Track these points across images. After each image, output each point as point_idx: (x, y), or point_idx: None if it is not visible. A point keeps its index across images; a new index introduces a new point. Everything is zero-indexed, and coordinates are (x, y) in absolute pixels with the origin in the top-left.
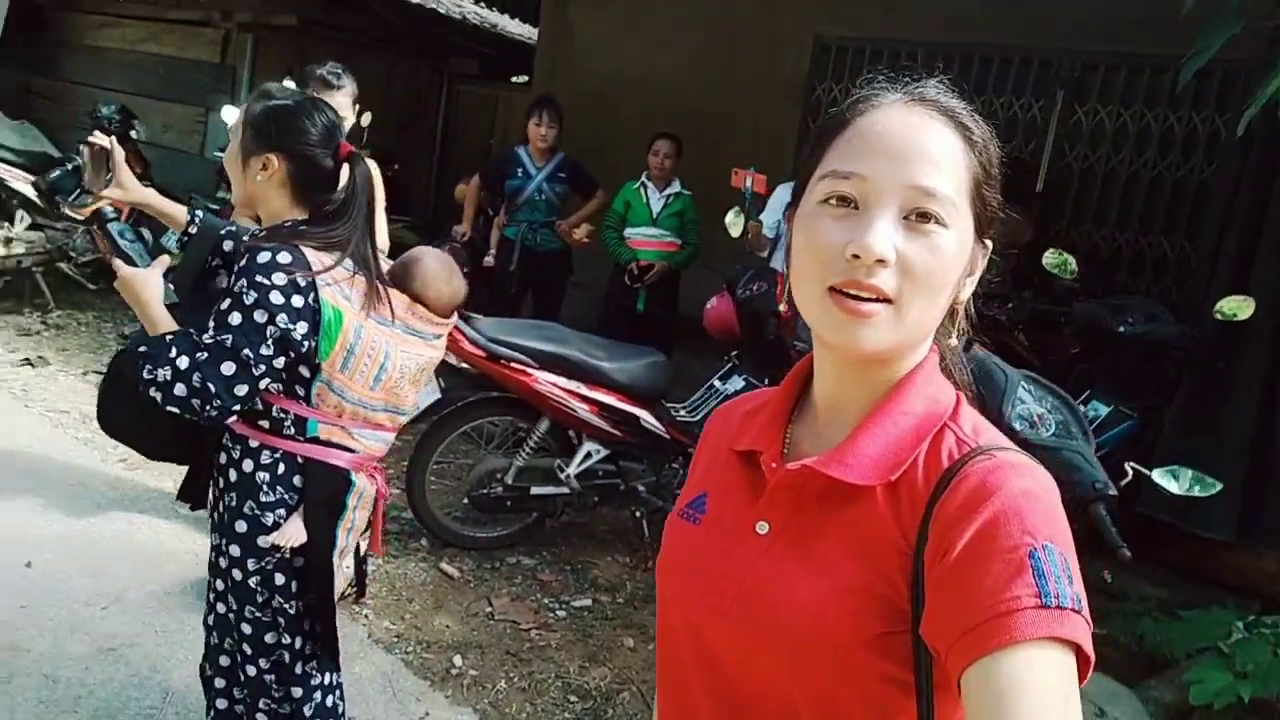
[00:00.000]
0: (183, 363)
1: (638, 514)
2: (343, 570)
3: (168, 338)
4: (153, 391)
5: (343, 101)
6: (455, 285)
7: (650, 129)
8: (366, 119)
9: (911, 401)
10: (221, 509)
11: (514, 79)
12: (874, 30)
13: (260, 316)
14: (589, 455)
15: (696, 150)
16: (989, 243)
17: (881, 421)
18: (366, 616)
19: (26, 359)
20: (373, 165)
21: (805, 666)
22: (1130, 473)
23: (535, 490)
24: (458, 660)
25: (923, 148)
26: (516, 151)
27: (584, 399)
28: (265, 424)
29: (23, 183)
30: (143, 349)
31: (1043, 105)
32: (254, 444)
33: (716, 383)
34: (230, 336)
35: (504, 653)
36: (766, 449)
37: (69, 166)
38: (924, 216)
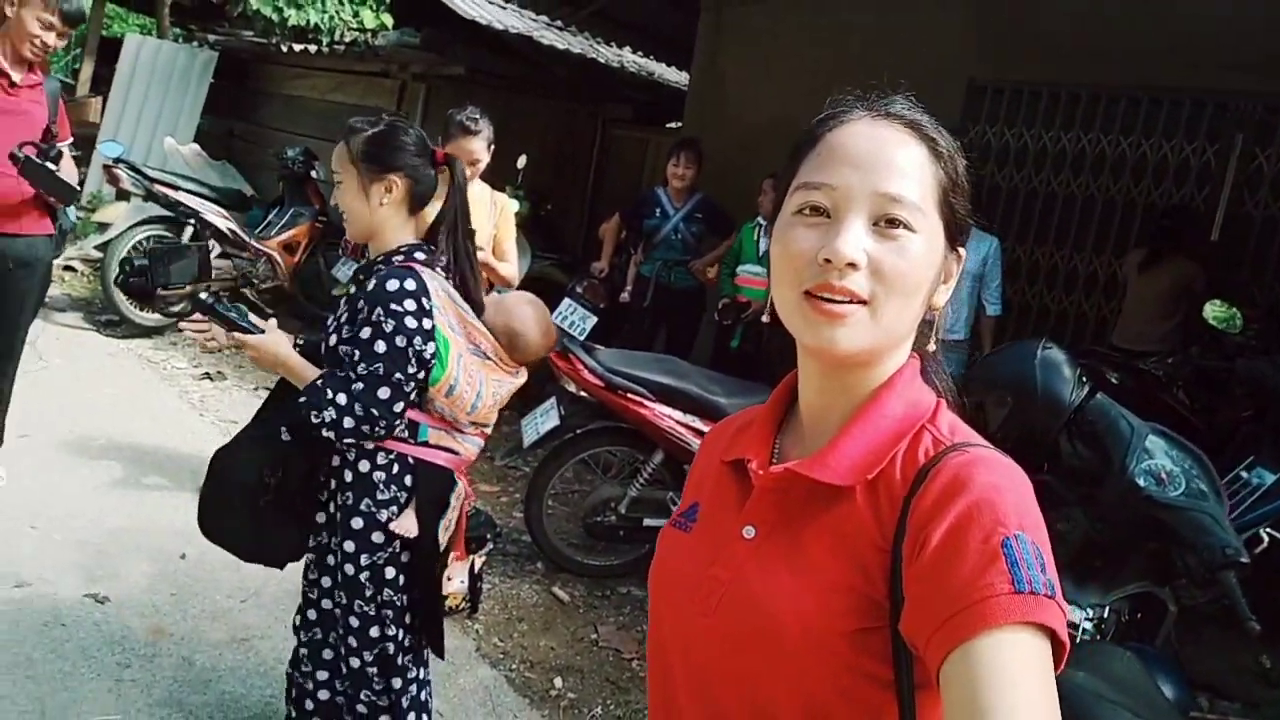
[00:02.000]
0: (342, 399)
1: None
2: (456, 583)
3: (319, 383)
4: (325, 432)
5: (479, 145)
6: (548, 338)
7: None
8: (522, 161)
9: (891, 405)
10: (334, 509)
11: (669, 124)
12: (1029, 72)
13: (401, 341)
14: None
15: None
16: (963, 251)
17: (862, 425)
18: (477, 631)
19: (206, 373)
20: (506, 199)
21: (786, 663)
22: (1266, 539)
23: (648, 522)
24: (558, 682)
25: (889, 158)
26: (656, 192)
27: (698, 434)
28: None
29: (216, 216)
30: (303, 399)
31: (1218, 149)
32: (370, 446)
33: None
34: (380, 365)
35: (604, 679)
36: (754, 457)
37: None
38: (892, 222)
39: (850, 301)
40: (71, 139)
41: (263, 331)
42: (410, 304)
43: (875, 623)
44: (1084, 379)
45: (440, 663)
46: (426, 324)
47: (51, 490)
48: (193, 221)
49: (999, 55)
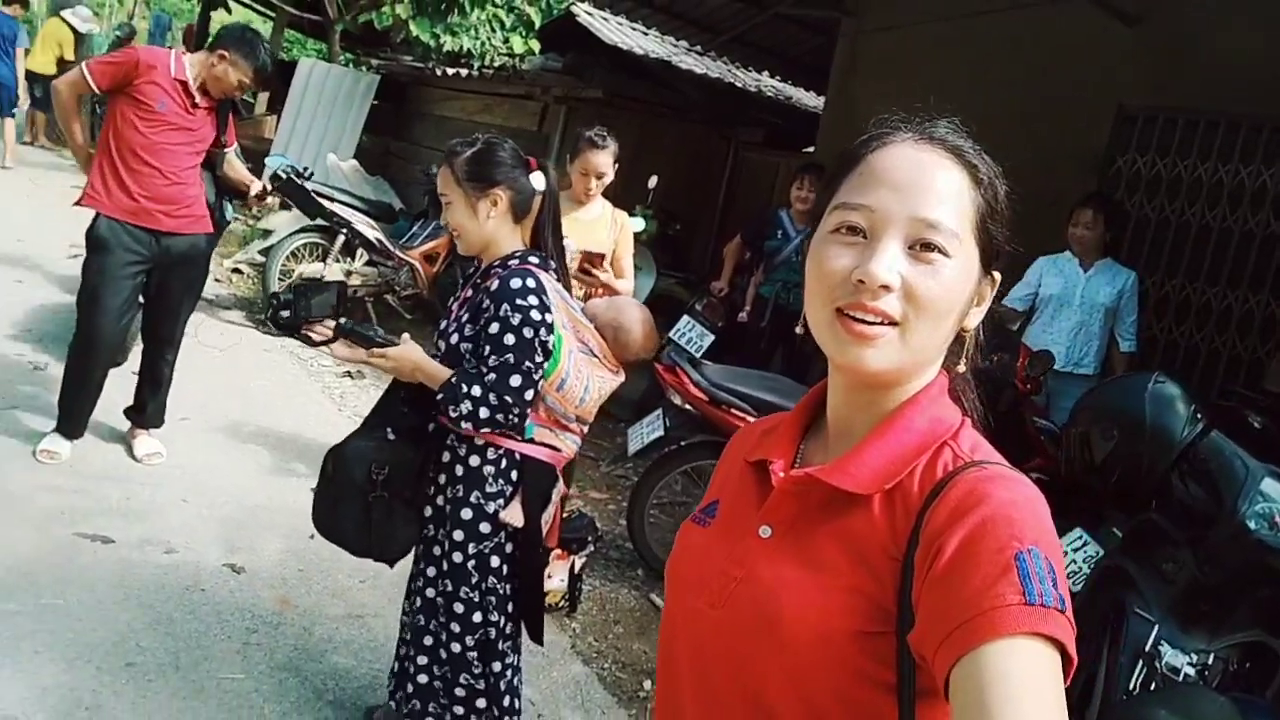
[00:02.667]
0: (476, 391)
1: None
2: (556, 581)
3: (453, 380)
4: (463, 424)
5: (605, 160)
6: (650, 340)
7: None
8: (653, 182)
9: (915, 420)
10: (443, 501)
11: (803, 149)
12: (1184, 99)
13: (528, 333)
14: None
15: None
16: (997, 275)
17: (885, 437)
18: (574, 629)
19: (348, 372)
20: (625, 216)
21: (787, 659)
22: None
23: None
24: (648, 684)
25: (928, 183)
26: (779, 213)
27: None
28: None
29: (366, 226)
30: (440, 396)
31: None
32: (480, 443)
33: None
34: (510, 355)
35: None
36: (777, 459)
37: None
38: (928, 246)
39: (881, 323)
40: (236, 145)
41: (397, 344)
42: (533, 299)
43: (881, 627)
44: (1199, 415)
45: (535, 655)
46: (548, 318)
47: (203, 468)
48: (345, 231)
49: (1153, 82)
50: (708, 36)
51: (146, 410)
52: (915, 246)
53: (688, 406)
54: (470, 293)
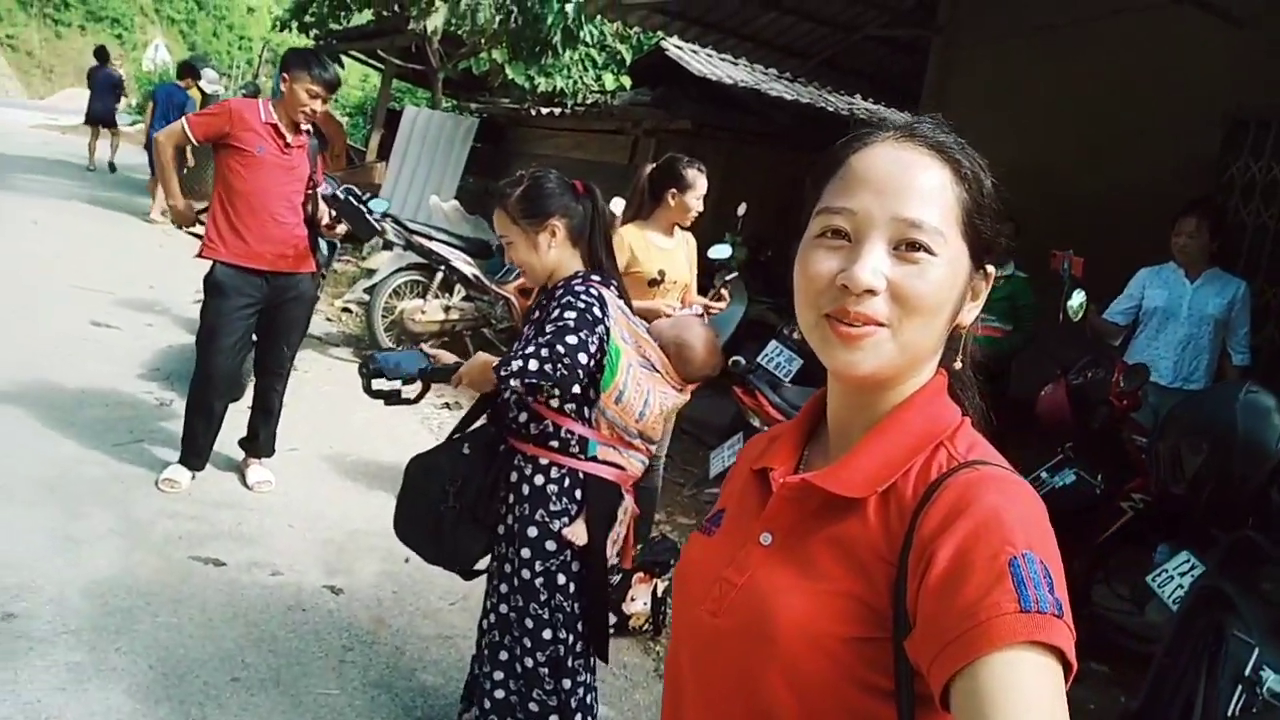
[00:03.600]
0: (529, 349)
1: None
2: (639, 604)
3: (510, 353)
4: (513, 381)
5: (704, 185)
6: (713, 356)
7: (1032, 218)
8: (743, 209)
9: (910, 421)
10: (511, 520)
11: None
12: None
13: (589, 316)
14: None
15: (1088, 240)
16: (990, 269)
17: (879, 439)
18: (657, 653)
19: (446, 403)
20: (691, 236)
21: (785, 666)
22: None
23: None
24: None
25: (910, 182)
26: None
27: None
28: (555, 444)
29: (463, 263)
30: (497, 365)
31: None
32: (544, 462)
33: (1044, 474)
34: (569, 323)
35: None
36: (779, 467)
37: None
38: (912, 246)
39: (869, 325)
40: (325, 185)
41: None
42: (594, 302)
43: (877, 633)
44: None
45: (619, 678)
46: (606, 321)
47: (309, 496)
48: (443, 268)
49: (1265, 86)
50: (797, 62)
51: (259, 439)
52: (900, 247)
53: (764, 428)
54: (538, 313)
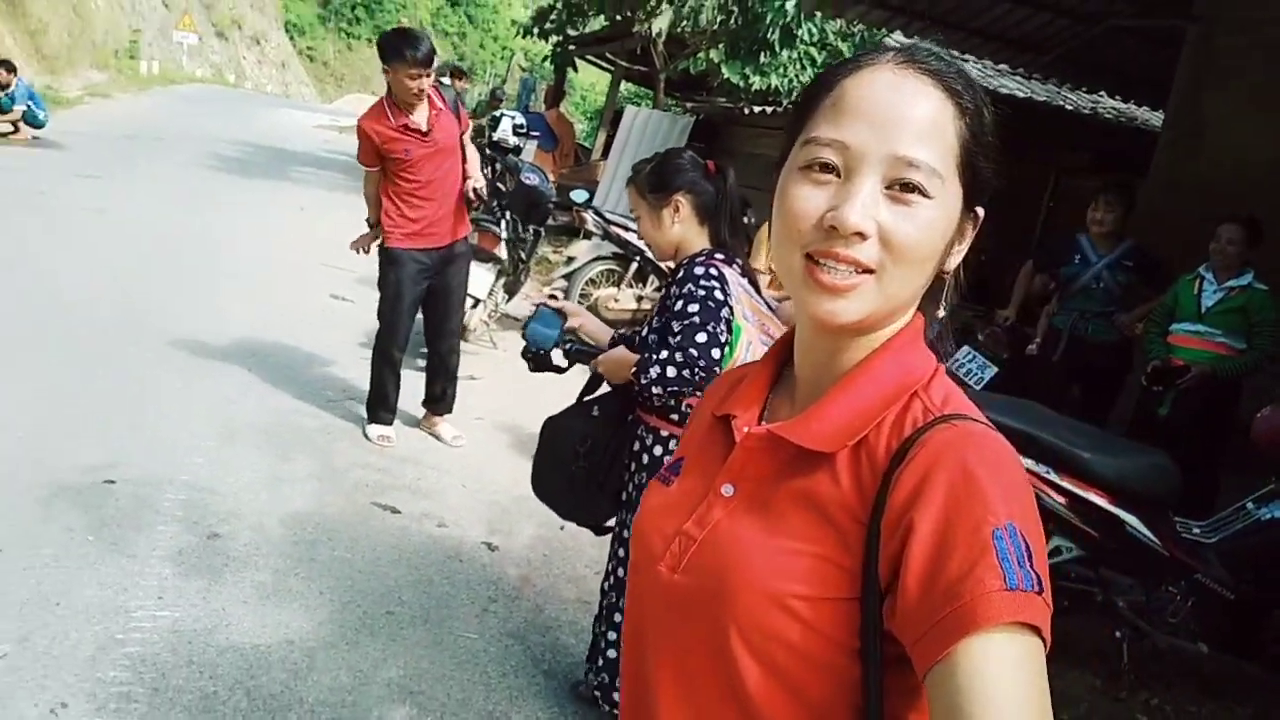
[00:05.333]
0: (664, 354)
1: (1118, 634)
2: None
3: (646, 354)
4: (654, 389)
5: None
6: None
7: None
8: None
9: (884, 370)
10: (632, 489)
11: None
12: None
13: (712, 304)
14: (1058, 551)
15: None
16: (980, 211)
17: (850, 389)
18: None
19: None
20: None
21: (750, 625)
22: None
23: None
24: None
25: (908, 115)
26: (1077, 237)
27: (1053, 486)
28: (675, 417)
29: None
30: (635, 369)
31: None
32: (665, 434)
33: (1250, 505)
34: (695, 319)
35: None
36: (742, 414)
37: None
38: (907, 187)
39: (855, 272)
40: (470, 127)
41: (605, 350)
42: (715, 284)
43: (845, 593)
44: None
45: None
46: (730, 301)
47: (485, 461)
48: (638, 258)
49: None
50: (1032, 57)
51: (445, 397)
52: (894, 187)
53: None
54: (667, 298)
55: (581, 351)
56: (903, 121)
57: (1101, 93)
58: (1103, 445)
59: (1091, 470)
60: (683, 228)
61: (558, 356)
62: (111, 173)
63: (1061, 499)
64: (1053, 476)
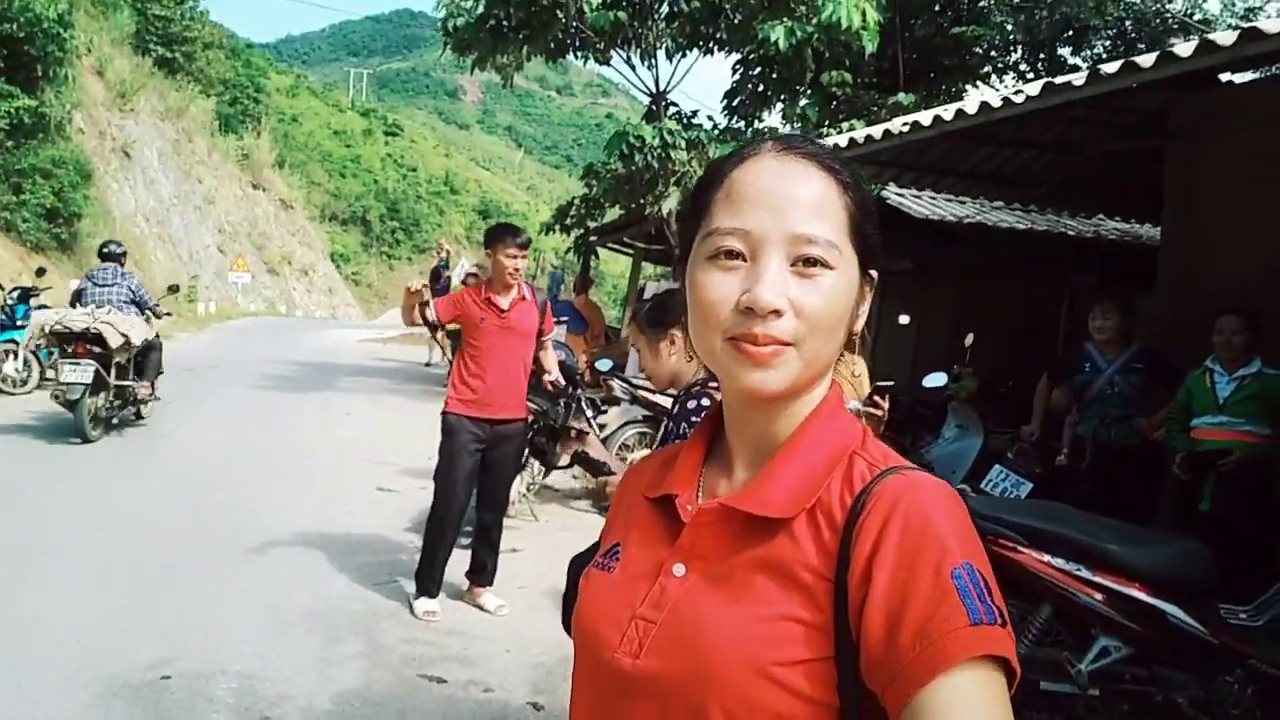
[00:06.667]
0: None
1: None
2: None
3: None
4: None
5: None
6: None
7: None
8: (969, 340)
9: (820, 435)
10: None
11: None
12: None
13: None
14: (1106, 652)
15: None
16: (874, 273)
17: (793, 455)
18: None
19: None
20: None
21: (729, 700)
22: None
23: (1044, 685)
24: None
25: (798, 196)
26: (1085, 346)
27: (1087, 584)
28: None
29: None
30: None
31: None
32: None
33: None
34: None
35: None
36: (681, 492)
37: None
38: (809, 262)
39: (775, 343)
40: (554, 331)
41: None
42: (705, 413)
43: (822, 653)
44: None
45: None
46: None
47: (528, 626)
48: (665, 417)
49: None
50: (1024, 191)
51: (487, 569)
52: (797, 263)
53: None
54: (664, 428)
55: (590, 461)
56: (794, 202)
57: (1101, 215)
58: (1131, 537)
59: (1123, 563)
60: (678, 359)
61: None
62: (172, 399)
63: (1099, 596)
64: (1085, 573)
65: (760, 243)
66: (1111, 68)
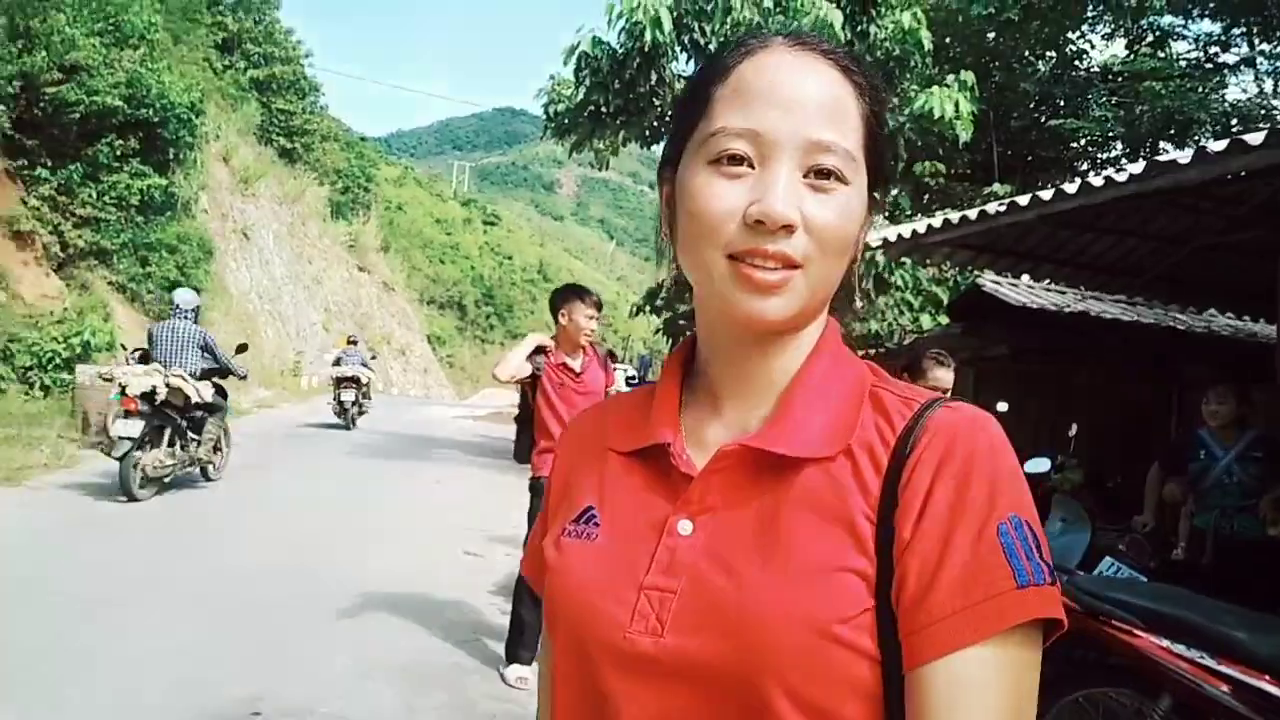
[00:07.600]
0: None
1: None
2: None
3: None
4: None
5: (945, 375)
6: None
7: None
8: (1074, 430)
9: (835, 370)
10: None
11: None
12: None
13: None
14: None
15: None
16: (878, 195)
17: (811, 390)
18: None
19: None
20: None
21: (792, 676)
22: None
23: None
24: None
25: (815, 96)
26: (1198, 433)
27: (1212, 673)
28: None
29: None
30: None
31: None
32: None
33: None
34: None
35: None
36: (672, 440)
37: None
38: (823, 173)
39: (782, 267)
40: (615, 382)
41: None
42: None
43: (869, 602)
44: None
45: None
46: None
47: None
48: None
49: None
50: (1126, 280)
51: None
52: (810, 174)
53: None
54: None
55: None
56: (811, 103)
57: (1212, 310)
58: (1258, 625)
59: (1251, 652)
60: None
61: None
62: (273, 463)
63: (1226, 687)
64: (1209, 662)
65: (771, 146)
66: (1219, 145)
